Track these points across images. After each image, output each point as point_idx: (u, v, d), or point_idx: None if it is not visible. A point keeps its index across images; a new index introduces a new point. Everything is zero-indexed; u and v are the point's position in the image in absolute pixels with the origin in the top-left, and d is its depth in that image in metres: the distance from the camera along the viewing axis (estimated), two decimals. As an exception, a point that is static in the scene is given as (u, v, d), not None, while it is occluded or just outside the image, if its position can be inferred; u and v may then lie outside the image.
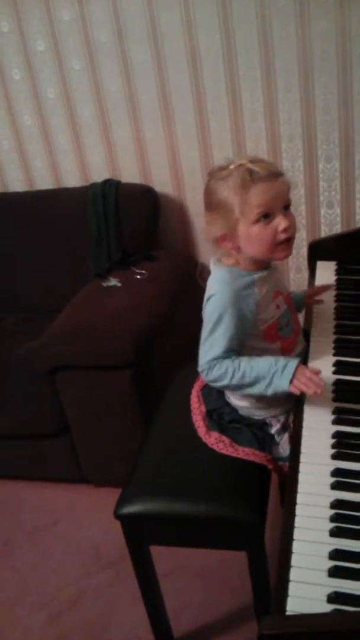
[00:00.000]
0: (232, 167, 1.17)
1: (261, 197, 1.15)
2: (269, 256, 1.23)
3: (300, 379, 1.15)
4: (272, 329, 1.28)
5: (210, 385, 1.32)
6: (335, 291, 1.59)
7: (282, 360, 1.19)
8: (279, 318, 1.29)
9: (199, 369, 1.27)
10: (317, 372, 1.15)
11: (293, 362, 1.18)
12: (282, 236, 1.18)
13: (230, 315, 1.22)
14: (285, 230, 1.17)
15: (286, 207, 1.19)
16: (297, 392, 1.16)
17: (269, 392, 1.20)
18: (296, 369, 1.17)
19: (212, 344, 1.24)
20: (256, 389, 1.21)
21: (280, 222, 1.17)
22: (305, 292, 1.54)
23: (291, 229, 1.19)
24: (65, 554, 1.93)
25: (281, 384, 1.17)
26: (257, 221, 1.16)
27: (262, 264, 1.27)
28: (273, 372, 1.18)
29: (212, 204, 1.20)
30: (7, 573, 1.90)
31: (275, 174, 1.16)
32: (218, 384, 1.27)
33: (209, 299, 1.26)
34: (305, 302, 1.51)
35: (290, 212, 1.21)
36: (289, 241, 1.20)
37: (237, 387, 1.24)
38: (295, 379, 1.16)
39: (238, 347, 1.25)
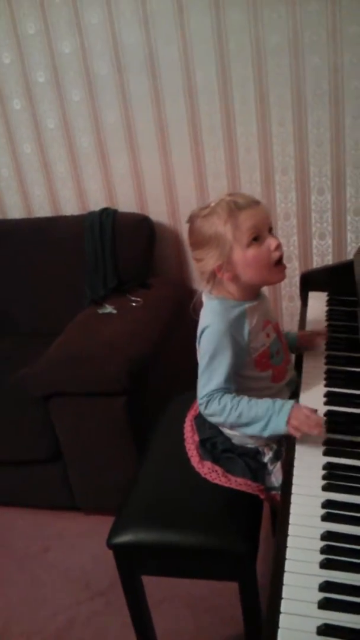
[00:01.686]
0: (212, 204, 1.24)
1: (250, 220, 1.21)
2: (267, 279, 1.27)
3: (299, 418, 1.14)
4: (263, 357, 1.30)
5: (206, 417, 1.34)
6: (326, 322, 1.61)
7: (279, 401, 1.20)
8: (269, 346, 1.31)
9: (198, 402, 1.28)
10: (314, 411, 1.15)
11: (289, 402, 1.18)
12: (276, 254, 1.24)
13: (225, 346, 1.24)
14: (276, 248, 1.23)
15: (270, 230, 1.26)
16: (297, 435, 1.14)
17: (266, 434, 1.19)
18: (293, 408, 1.16)
19: (210, 375, 1.25)
20: (253, 430, 1.21)
21: (270, 242, 1.23)
22: (291, 333, 1.53)
23: (281, 248, 1.25)
24: (56, 582, 1.91)
25: (278, 425, 1.16)
26: (249, 244, 1.22)
27: (253, 294, 1.30)
28: (270, 414, 1.18)
29: (203, 240, 1.25)
30: (-4, 601, 1.89)
31: (255, 202, 1.24)
32: (214, 419, 1.28)
33: (203, 331, 1.28)
34: (298, 345, 1.50)
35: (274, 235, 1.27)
36: (282, 262, 1.26)
37: (233, 425, 1.25)
38: (292, 418, 1.15)
39: (235, 378, 1.26)
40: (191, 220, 1.28)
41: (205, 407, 1.26)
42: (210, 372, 1.25)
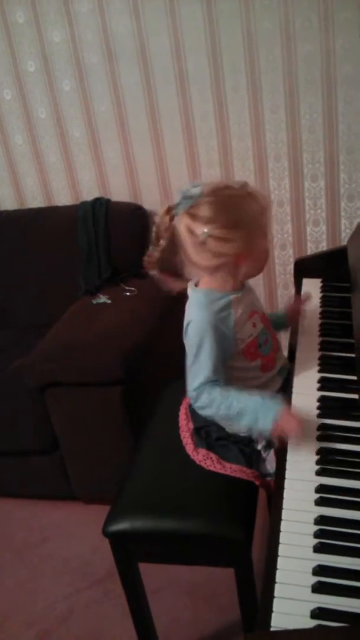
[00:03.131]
0: (236, 186, 1.23)
1: (269, 217, 1.26)
2: (260, 270, 1.31)
3: (284, 420, 1.14)
4: (251, 347, 1.30)
5: (197, 410, 1.34)
6: (320, 308, 1.61)
7: (268, 399, 1.20)
8: (257, 336, 1.31)
9: (189, 395, 1.28)
10: (300, 419, 1.14)
11: (278, 404, 1.18)
12: None
13: (211, 338, 1.23)
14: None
15: None
16: (276, 435, 1.15)
17: (254, 430, 1.21)
18: (280, 411, 1.16)
19: (198, 369, 1.25)
20: (241, 424, 1.22)
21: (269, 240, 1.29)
22: (284, 308, 1.55)
23: None
24: (54, 572, 1.92)
25: (265, 423, 1.17)
26: (266, 236, 1.25)
27: (238, 285, 1.30)
28: (258, 410, 1.18)
29: (239, 220, 1.18)
30: (-4, 591, 1.90)
31: None
32: (205, 412, 1.28)
33: (188, 325, 1.28)
34: (288, 319, 1.52)
35: None
36: None
37: (224, 418, 1.26)
38: (279, 420, 1.15)
39: (223, 369, 1.26)
40: (209, 195, 1.19)
41: (195, 400, 1.26)
42: (197, 365, 1.25)
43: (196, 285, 1.31)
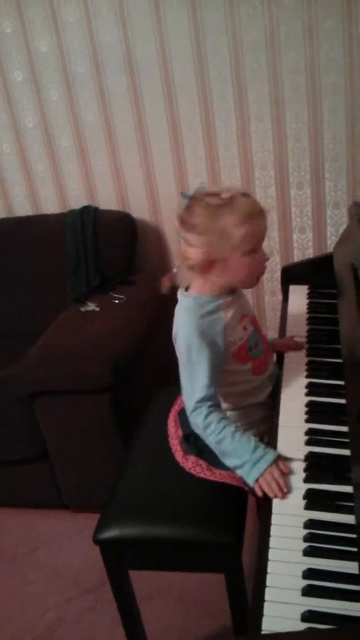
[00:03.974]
0: (224, 195, 1.20)
1: (259, 231, 1.22)
2: (248, 285, 1.30)
3: (267, 479, 1.09)
4: (242, 350, 1.31)
5: (180, 401, 1.34)
6: (307, 314, 1.63)
7: (260, 449, 1.16)
8: (247, 339, 1.32)
9: (188, 409, 1.25)
10: (287, 473, 1.10)
11: (267, 460, 1.13)
12: (264, 268, 1.28)
13: (200, 344, 1.23)
14: (265, 262, 1.27)
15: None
16: (259, 492, 1.11)
17: (237, 471, 1.19)
18: (268, 468, 1.11)
19: (193, 379, 1.23)
20: (228, 461, 1.21)
21: (262, 256, 1.26)
22: (271, 339, 1.53)
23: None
24: (45, 581, 1.92)
25: (249, 477, 1.15)
26: (250, 253, 1.22)
27: (229, 290, 1.30)
28: (247, 459, 1.16)
29: (205, 228, 1.19)
30: (-15, 601, 1.88)
31: (264, 213, 1.23)
32: (197, 431, 1.26)
33: (176, 334, 1.28)
34: (276, 348, 1.51)
35: None
36: None
37: (213, 444, 1.23)
38: (262, 477, 1.11)
39: (218, 375, 1.25)
40: (195, 199, 1.21)
41: (192, 416, 1.24)
42: (191, 375, 1.24)
43: (186, 290, 1.31)
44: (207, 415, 1.21)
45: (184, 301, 1.29)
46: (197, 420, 1.23)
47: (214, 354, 1.24)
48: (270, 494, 1.07)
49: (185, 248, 1.23)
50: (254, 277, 1.28)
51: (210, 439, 1.22)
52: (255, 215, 1.20)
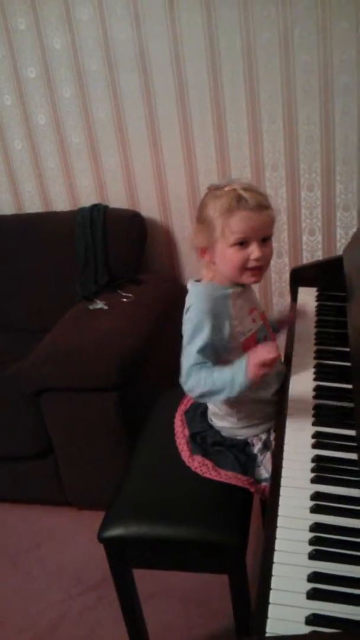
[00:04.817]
0: (226, 189, 1.22)
1: (242, 224, 1.20)
2: (236, 278, 1.27)
3: (252, 357, 1.18)
4: (251, 341, 1.31)
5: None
6: (316, 317, 1.62)
7: (237, 361, 1.22)
8: (256, 331, 1.32)
9: (181, 380, 1.27)
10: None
11: (245, 357, 1.21)
12: (252, 264, 1.23)
13: (205, 324, 1.24)
14: (256, 259, 1.22)
15: (265, 239, 1.23)
16: (258, 371, 1.17)
17: (238, 389, 1.21)
18: (247, 357, 1.20)
19: (190, 351, 1.25)
20: (227, 393, 1.22)
21: (253, 251, 1.21)
22: (278, 314, 1.59)
23: (262, 260, 1.23)
24: (47, 577, 1.92)
25: (240, 375, 1.19)
26: (233, 245, 1.21)
27: (236, 282, 1.30)
28: (234, 371, 1.20)
29: (201, 217, 1.26)
30: (-12, 596, 1.89)
31: (261, 206, 1.20)
32: (194, 394, 1.27)
33: (187, 310, 1.29)
34: (278, 323, 1.54)
35: (270, 244, 1.25)
36: (259, 269, 1.25)
37: (209, 394, 1.25)
38: (249, 362, 1.18)
39: (213, 357, 1.26)
40: (207, 190, 1.27)
41: (185, 383, 1.26)
42: (190, 347, 1.25)
43: (196, 281, 1.33)
44: (198, 373, 1.23)
45: (194, 289, 1.31)
46: (191, 383, 1.24)
47: (218, 337, 1.26)
48: (265, 357, 1.15)
49: (192, 235, 1.31)
50: (238, 271, 1.24)
51: (206, 388, 1.23)
52: (242, 207, 1.19)
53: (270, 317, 1.53)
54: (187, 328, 1.27)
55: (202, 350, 1.24)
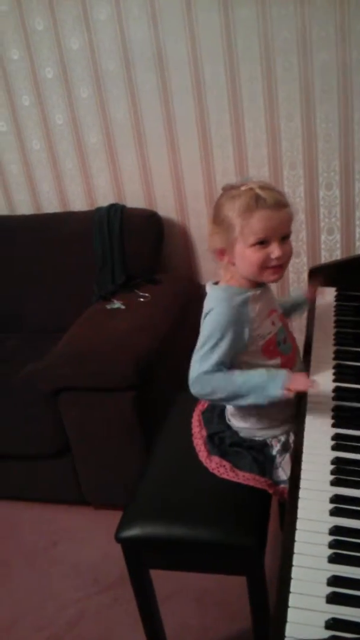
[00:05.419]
0: (243, 188, 1.21)
1: (262, 224, 1.19)
2: (257, 277, 1.26)
3: (293, 379, 1.20)
4: (270, 344, 1.30)
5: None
6: (334, 317, 1.61)
7: (272, 369, 1.24)
8: (276, 334, 1.31)
9: (189, 384, 1.27)
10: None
11: (283, 370, 1.24)
12: (274, 262, 1.22)
13: (226, 330, 1.24)
14: (277, 258, 1.21)
15: (284, 237, 1.22)
16: (290, 395, 1.19)
17: (263, 400, 1.22)
18: (287, 376, 1.21)
19: (204, 357, 1.25)
20: (250, 400, 1.23)
21: (274, 250, 1.20)
22: (295, 295, 1.60)
23: (283, 258, 1.23)
24: (64, 577, 1.93)
25: (275, 390, 1.20)
26: (253, 245, 1.20)
27: (256, 282, 1.29)
28: (266, 380, 1.21)
29: (218, 218, 1.25)
30: (5, 595, 1.90)
31: (280, 205, 1.19)
32: (210, 397, 1.28)
33: (207, 314, 1.28)
34: (307, 299, 1.57)
35: (289, 242, 1.24)
36: (280, 267, 1.24)
37: (231, 399, 1.26)
38: (288, 381, 1.20)
39: (229, 363, 1.26)
40: (222, 191, 1.26)
41: (196, 387, 1.26)
42: (205, 352, 1.24)
43: (215, 284, 1.32)
44: (212, 377, 1.24)
45: (213, 292, 1.30)
46: (206, 388, 1.25)
47: (236, 344, 1.25)
48: (303, 387, 1.18)
49: (208, 237, 1.29)
50: (259, 270, 1.23)
51: (227, 393, 1.24)
52: (260, 207, 1.18)
53: (298, 299, 1.55)
54: (205, 333, 1.26)
55: (220, 362, 1.24)
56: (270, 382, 1.21)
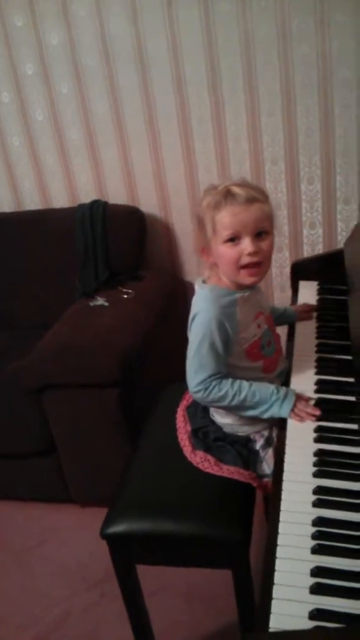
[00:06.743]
0: (220, 187, 1.22)
1: (229, 219, 1.19)
2: (235, 278, 1.25)
3: (299, 407, 1.22)
4: (254, 347, 1.30)
5: (199, 403, 1.36)
6: (316, 311, 1.62)
7: (282, 390, 1.25)
8: (260, 337, 1.31)
9: (192, 390, 1.27)
10: (310, 400, 1.24)
11: (292, 393, 1.25)
12: (246, 259, 1.20)
13: (215, 332, 1.24)
14: (250, 254, 1.20)
15: (260, 234, 1.21)
16: (296, 419, 1.21)
17: (265, 416, 1.25)
18: (296, 398, 1.23)
19: (201, 362, 1.25)
20: (253, 413, 1.27)
21: (246, 247, 1.19)
22: (290, 307, 1.61)
23: (259, 255, 1.20)
24: (51, 575, 1.92)
25: (281, 412, 1.23)
26: (225, 242, 1.20)
27: (242, 284, 1.29)
28: (274, 400, 1.24)
29: (196, 217, 1.26)
30: (-8, 594, 1.89)
31: (250, 199, 1.18)
32: (216, 405, 1.31)
33: (194, 318, 1.28)
34: (298, 317, 1.58)
35: (267, 239, 1.22)
36: (256, 266, 1.22)
37: (235, 409, 1.29)
38: (295, 408, 1.22)
39: (225, 365, 1.27)
40: (203, 192, 1.28)
41: (204, 395, 1.26)
42: (200, 358, 1.25)
43: (204, 282, 1.32)
44: (220, 386, 1.25)
45: (201, 292, 1.30)
46: (213, 395, 1.25)
47: (225, 345, 1.26)
48: (309, 418, 1.19)
49: (193, 237, 1.31)
50: (235, 270, 1.23)
51: (234, 403, 1.25)
52: (228, 203, 1.18)
53: (288, 311, 1.57)
54: (195, 336, 1.26)
55: (217, 363, 1.25)
56: (279, 403, 1.23)
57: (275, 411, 1.23)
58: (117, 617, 1.68)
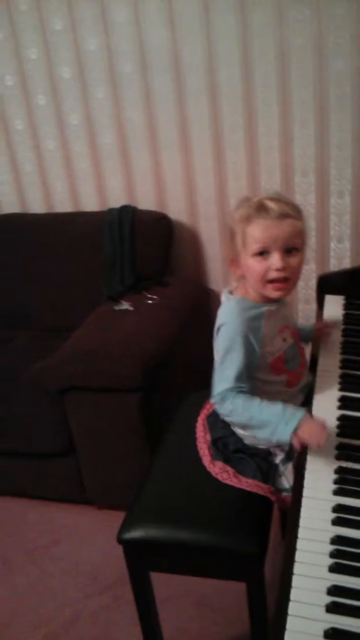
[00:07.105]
0: (254, 199, 1.23)
1: (260, 233, 1.19)
2: (261, 291, 1.25)
3: (305, 428, 1.13)
4: (278, 361, 1.30)
5: (220, 415, 1.35)
6: (342, 326, 1.61)
7: (289, 409, 1.17)
8: (285, 351, 1.31)
9: (212, 399, 1.29)
10: (323, 425, 1.12)
11: (299, 413, 1.16)
12: (273, 274, 1.20)
13: (239, 344, 1.24)
14: (277, 270, 1.20)
15: (290, 250, 1.20)
16: (297, 445, 1.14)
17: (274, 439, 1.18)
18: (301, 421, 1.14)
19: (222, 373, 1.26)
20: (261, 434, 1.20)
21: (275, 262, 1.19)
22: (314, 324, 1.57)
23: (286, 271, 1.20)
24: (64, 575, 1.93)
25: (284, 434, 1.15)
26: (254, 255, 1.21)
27: (269, 298, 1.29)
28: (278, 421, 1.16)
29: (228, 228, 1.27)
30: (4, 591, 1.90)
31: (283, 215, 1.18)
32: (228, 419, 1.30)
33: (219, 328, 1.29)
34: (314, 333, 1.53)
35: (297, 255, 1.22)
36: (283, 282, 1.22)
37: (244, 427, 1.28)
38: (300, 429, 1.13)
39: (247, 378, 1.27)
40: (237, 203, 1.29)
41: (219, 406, 1.26)
42: (222, 369, 1.26)
43: (230, 293, 1.32)
44: (233, 400, 1.23)
45: (227, 303, 1.30)
46: (225, 407, 1.24)
47: (249, 358, 1.25)
48: (312, 442, 1.09)
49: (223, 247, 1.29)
50: (262, 283, 1.22)
51: (242, 419, 1.23)
52: (260, 216, 1.18)
53: (307, 328, 1.52)
54: (220, 347, 1.27)
55: (239, 376, 1.24)
56: (282, 425, 1.15)
57: (279, 432, 1.15)
58: (128, 621, 1.68)
